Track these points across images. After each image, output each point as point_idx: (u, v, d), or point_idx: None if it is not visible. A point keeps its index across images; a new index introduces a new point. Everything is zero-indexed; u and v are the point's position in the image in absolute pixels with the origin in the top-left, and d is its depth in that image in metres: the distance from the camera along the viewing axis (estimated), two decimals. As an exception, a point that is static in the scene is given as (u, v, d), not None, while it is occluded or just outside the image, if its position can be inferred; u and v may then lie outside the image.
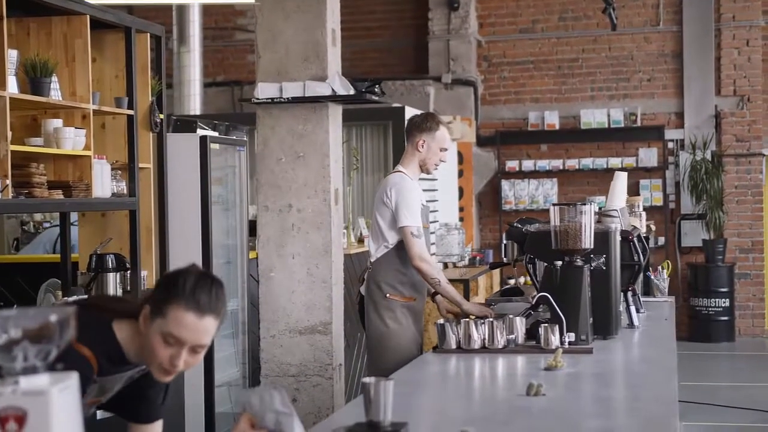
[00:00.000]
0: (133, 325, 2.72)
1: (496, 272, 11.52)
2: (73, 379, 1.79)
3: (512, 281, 12.27)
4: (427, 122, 5.40)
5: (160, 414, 3.01)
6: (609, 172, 12.72)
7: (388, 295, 5.28)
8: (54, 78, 5.00)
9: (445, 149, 5.43)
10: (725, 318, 12.50)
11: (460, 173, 12.58)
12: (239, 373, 6.90)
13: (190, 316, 2.60)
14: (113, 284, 5.49)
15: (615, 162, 12.81)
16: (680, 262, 12.94)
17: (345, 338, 6.43)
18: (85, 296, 5.15)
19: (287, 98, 5.82)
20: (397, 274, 5.29)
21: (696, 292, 12.55)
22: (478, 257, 11.17)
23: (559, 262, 4.46)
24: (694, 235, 12.81)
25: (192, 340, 2.61)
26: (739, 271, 12.76)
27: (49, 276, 5.91)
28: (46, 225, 9.03)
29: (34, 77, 4.88)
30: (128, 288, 5.66)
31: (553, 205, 4.52)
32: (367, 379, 2.76)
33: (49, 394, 1.73)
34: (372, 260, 5.38)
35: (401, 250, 5.25)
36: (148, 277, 5.93)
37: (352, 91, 5.92)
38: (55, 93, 5.00)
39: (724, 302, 12.46)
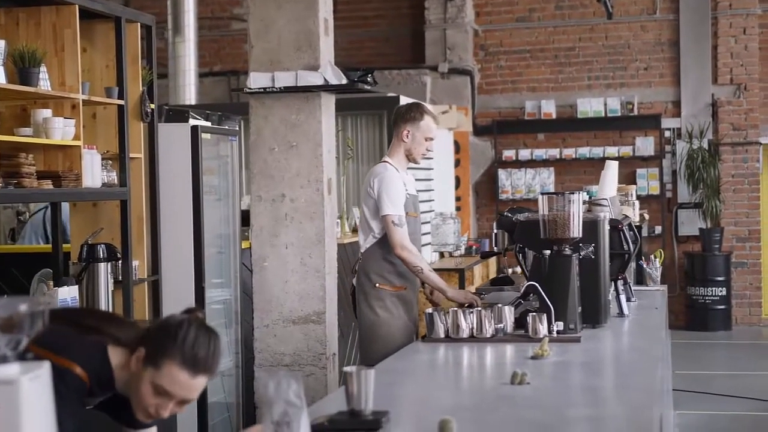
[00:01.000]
0: (126, 357, 2.72)
1: (493, 261, 11.53)
2: (43, 368, 1.80)
3: (509, 270, 12.28)
4: (411, 112, 5.41)
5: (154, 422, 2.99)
6: (605, 162, 12.70)
7: (377, 284, 5.30)
8: (43, 68, 4.98)
9: (431, 138, 5.43)
10: (722, 307, 12.50)
11: (457, 162, 12.58)
12: (232, 363, 6.90)
13: (184, 374, 2.63)
14: (104, 274, 5.48)
15: (612, 151, 12.80)
16: (677, 251, 12.94)
17: (339, 328, 6.43)
18: (80, 307, 5.13)
19: (279, 88, 5.81)
20: (385, 263, 5.30)
21: (693, 281, 12.56)
22: (474, 247, 11.18)
23: (548, 251, 4.46)
24: (690, 224, 12.81)
25: (182, 396, 2.66)
26: (735, 260, 12.77)
27: (42, 266, 5.91)
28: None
29: (22, 67, 4.87)
30: (119, 278, 5.66)
31: (542, 194, 4.53)
32: (348, 368, 2.77)
33: (18, 383, 1.73)
34: (361, 251, 5.40)
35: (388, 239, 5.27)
36: (140, 266, 5.93)
37: (344, 81, 5.91)
38: (44, 83, 4.99)
39: (721, 291, 12.47)
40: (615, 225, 5.04)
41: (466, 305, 5.03)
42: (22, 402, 1.73)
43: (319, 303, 5.87)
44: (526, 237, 4.74)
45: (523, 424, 2.90)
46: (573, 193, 4.48)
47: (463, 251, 10.61)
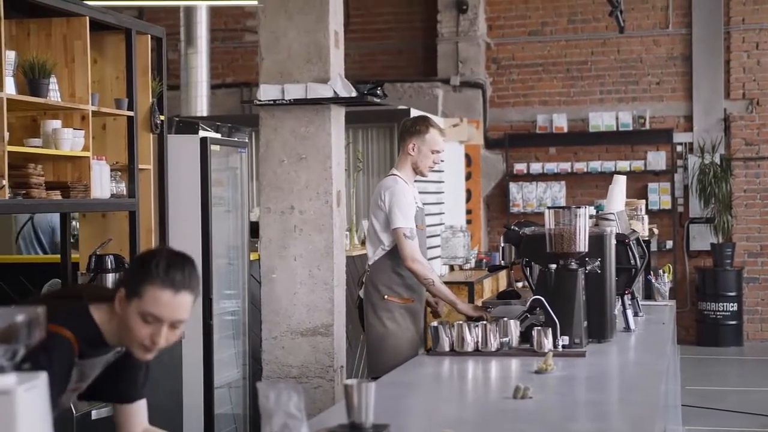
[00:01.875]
0: (109, 309, 2.81)
1: (503, 275, 11.50)
2: (40, 378, 1.81)
3: (520, 284, 12.25)
4: (416, 125, 5.45)
5: (143, 394, 3.08)
6: (614, 176, 12.68)
7: (386, 296, 5.33)
8: (53, 79, 5.02)
9: (437, 151, 5.45)
10: (733, 322, 12.45)
11: (468, 176, 12.59)
12: (240, 375, 6.91)
13: (166, 294, 2.70)
14: (112, 285, 5.50)
15: (623, 165, 12.78)
16: (688, 265, 12.91)
17: (347, 340, 6.43)
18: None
19: (289, 100, 5.83)
20: (394, 276, 5.32)
21: (704, 296, 12.51)
22: (485, 260, 11.16)
23: (554, 266, 4.46)
24: (702, 238, 12.78)
25: (170, 316, 2.72)
26: (747, 275, 12.72)
27: (51, 276, 5.94)
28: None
29: (32, 78, 4.90)
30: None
31: (548, 208, 4.52)
32: (348, 381, 2.77)
33: (14, 394, 1.74)
34: (369, 263, 5.42)
35: (397, 252, 5.28)
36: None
37: (354, 93, 5.93)
38: (54, 94, 5.02)
39: (732, 306, 12.42)
40: (622, 239, 5.04)
41: (473, 318, 5.04)
42: (18, 412, 1.74)
43: (327, 315, 5.87)
44: (533, 251, 4.73)
45: (523, 439, 2.90)
46: (579, 208, 4.48)
47: (473, 264, 10.60)
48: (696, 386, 9.66)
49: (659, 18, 13.02)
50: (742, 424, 8.37)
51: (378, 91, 6.23)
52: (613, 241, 4.76)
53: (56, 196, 5.00)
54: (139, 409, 3.08)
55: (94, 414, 4.60)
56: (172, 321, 2.74)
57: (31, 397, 1.77)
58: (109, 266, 5.49)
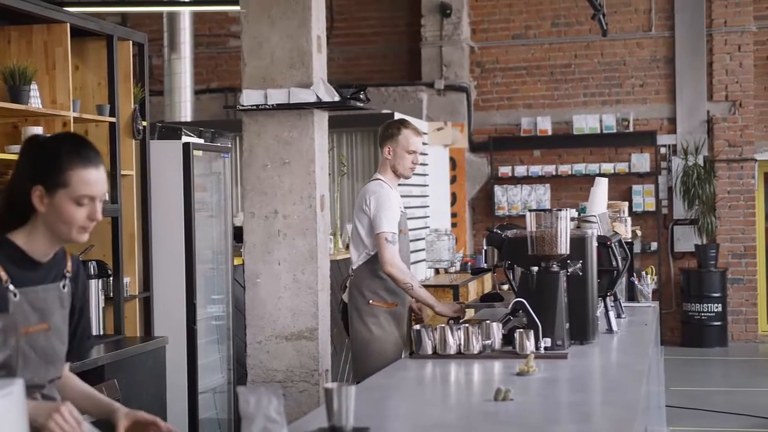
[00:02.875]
0: (26, 229, 2.79)
1: (488, 278, 11.52)
2: (16, 385, 1.81)
3: (505, 287, 12.27)
4: (389, 129, 5.54)
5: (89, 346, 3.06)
6: (595, 178, 12.71)
7: (371, 301, 5.35)
8: (33, 86, 5.01)
9: (413, 152, 5.50)
10: (718, 323, 12.50)
11: (453, 179, 12.61)
12: (224, 379, 6.91)
13: (91, 172, 2.77)
14: (95, 291, 5.49)
15: (607, 167, 12.82)
16: (673, 267, 12.95)
17: (332, 344, 6.44)
18: None
19: (272, 105, 5.84)
20: (378, 280, 5.34)
21: (689, 297, 12.56)
22: (470, 263, 11.17)
23: (535, 268, 4.47)
24: (686, 240, 12.83)
25: (100, 191, 2.80)
26: (731, 276, 12.77)
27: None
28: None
29: (13, 85, 4.90)
30: (111, 295, 5.67)
31: (530, 211, 4.54)
32: (328, 385, 2.78)
33: (-10, 401, 1.74)
34: (353, 267, 5.43)
35: None
36: (131, 283, 5.95)
37: (336, 98, 5.94)
38: (35, 101, 5.02)
39: (717, 307, 12.47)
40: (604, 242, 5.05)
41: (454, 319, 5.06)
42: (-7, 418, 1.74)
43: (311, 319, 5.87)
44: (514, 253, 4.74)
45: (503, 441, 2.91)
46: (560, 210, 4.49)
47: (458, 267, 10.61)
48: (681, 387, 9.69)
49: (642, 21, 13.07)
50: (726, 425, 8.41)
51: (361, 96, 6.24)
52: (595, 244, 4.77)
53: (38, 202, 4.99)
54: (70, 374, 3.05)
55: (88, 417, 4.57)
56: (102, 194, 2.80)
57: (7, 404, 1.77)
58: (92, 272, 5.49)
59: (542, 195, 13.09)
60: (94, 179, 2.77)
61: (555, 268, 4.47)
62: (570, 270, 4.54)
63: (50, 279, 2.86)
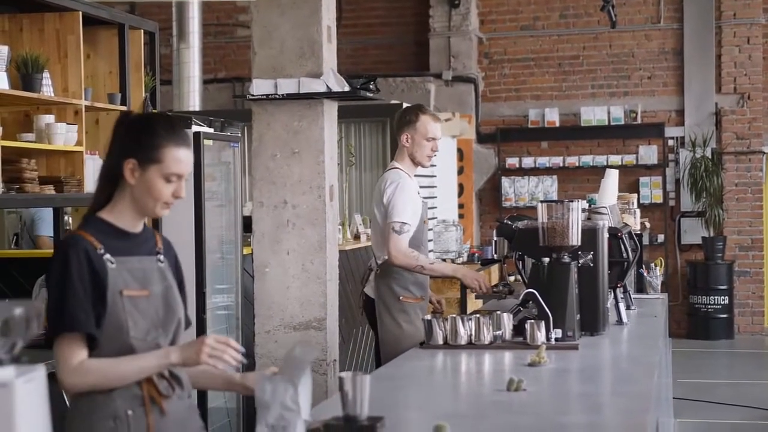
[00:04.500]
0: (110, 204, 2.92)
1: (495, 269, 11.52)
2: (38, 371, 1.82)
3: (512, 278, 12.27)
4: (407, 115, 5.40)
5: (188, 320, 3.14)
6: (606, 170, 12.71)
7: (401, 297, 5.26)
8: (46, 74, 5.02)
9: (432, 138, 5.37)
10: (724, 315, 12.50)
11: (461, 170, 12.61)
12: (233, 369, 6.91)
13: (181, 151, 2.88)
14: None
15: (615, 159, 12.82)
16: (680, 259, 12.95)
17: (340, 334, 6.44)
18: None
19: (282, 95, 5.83)
20: (408, 275, 5.25)
21: (695, 290, 12.56)
22: (477, 254, 11.17)
23: (547, 259, 4.47)
24: (693, 232, 12.82)
25: (187, 170, 2.91)
26: (738, 268, 12.77)
27: (44, 271, 5.92)
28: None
29: (25, 73, 4.90)
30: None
31: (541, 202, 4.53)
32: (343, 374, 2.79)
33: (13, 386, 1.75)
34: (379, 262, 5.32)
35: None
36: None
37: (346, 88, 5.93)
38: (47, 89, 5.02)
39: (724, 300, 12.47)
40: (614, 233, 5.05)
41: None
42: (16, 404, 1.74)
43: (320, 309, 5.87)
44: (525, 244, 4.74)
45: (517, 431, 2.91)
46: (572, 201, 4.49)
47: (465, 258, 10.61)
48: (687, 379, 9.70)
49: (651, 12, 13.05)
50: (732, 417, 8.42)
51: (371, 86, 6.23)
52: (606, 235, 4.77)
53: (50, 190, 5.00)
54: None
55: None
56: (188, 175, 2.92)
57: (30, 390, 1.78)
58: (103, 261, 5.49)
59: (549, 186, 13.08)
60: (185, 158, 2.89)
61: (566, 259, 4.47)
62: (581, 261, 4.54)
63: (145, 252, 2.98)
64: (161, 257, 3.01)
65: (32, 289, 5.84)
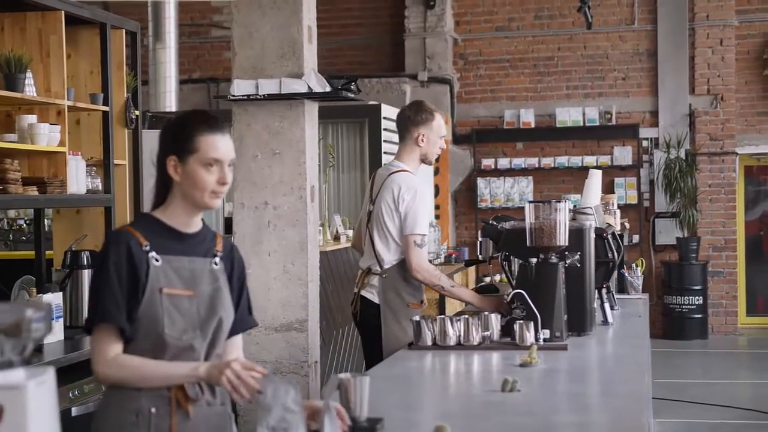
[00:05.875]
0: (164, 205, 2.97)
1: (472, 270, 11.56)
2: (48, 374, 1.79)
3: (487, 279, 12.30)
4: (422, 114, 5.18)
5: (242, 326, 3.15)
6: (584, 171, 12.72)
7: (409, 304, 5.11)
8: (29, 74, 4.97)
9: (444, 136, 5.25)
10: (698, 315, 12.59)
11: (436, 171, 12.61)
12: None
13: (217, 137, 2.93)
14: (88, 281, 5.45)
15: (590, 160, 12.87)
16: (654, 259, 13.02)
17: (321, 336, 6.42)
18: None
19: (263, 95, 5.81)
20: (414, 280, 5.14)
21: (670, 290, 12.63)
22: (454, 255, 11.20)
23: (534, 260, 4.47)
24: (668, 233, 12.89)
25: (227, 156, 2.94)
26: (712, 269, 12.86)
27: (24, 272, 5.87)
28: (20, 222, 8.98)
29: (8, 73, 4.85)
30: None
31: (529, 202, 4.54)
32: (343, 375, 2.78)
33: (25, 389, 1.72)
34: (387, 266, 5.12)
35: None
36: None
37: (328, 89, 5.92)
38: (30, 89, 4.97)
39: (698, 300, 12.55)
40: (600, 234, 5.07)
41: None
42: (28, 407, 1.72)
43: (301, 311, 5.86)
44: (513, 245, 4.74)
45: (515, 431, 2.91)
46: (559, 201, 4.50)
47: (442, 260, 10.63)
48: (663, 379, 9.74)
49: (625, 14, 13.11)
50: (710, 416, 8.47)
51: (352, 87, 6.23)
52: (593, 235, 4.79)
53: (33, 192, 4.96)
54: (235, 343, 3.14)
55: (74, 411, 4.55)
56: (229, 161, 2.94)
57: (41, 392, 1.76)
58: (85, 262, 5.45)
59: (525, 188, 13.12)
60: (220, 143, 2.93)
61: (554, 259, 4.48)
62: (568, 262, 4.54)
63: (199, 253, 3.00)
64: (217, 260, 3.02)
65: (11, 291, 5.79)
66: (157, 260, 2.90)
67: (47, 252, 5.88)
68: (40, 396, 1.75)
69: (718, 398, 9.03)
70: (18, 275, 5.90)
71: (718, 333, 12.87)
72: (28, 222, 9.08)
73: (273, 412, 2.63)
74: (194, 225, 3.02)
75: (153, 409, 2.88)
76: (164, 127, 3.05)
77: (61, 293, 5.30)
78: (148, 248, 2.89)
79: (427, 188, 5.18)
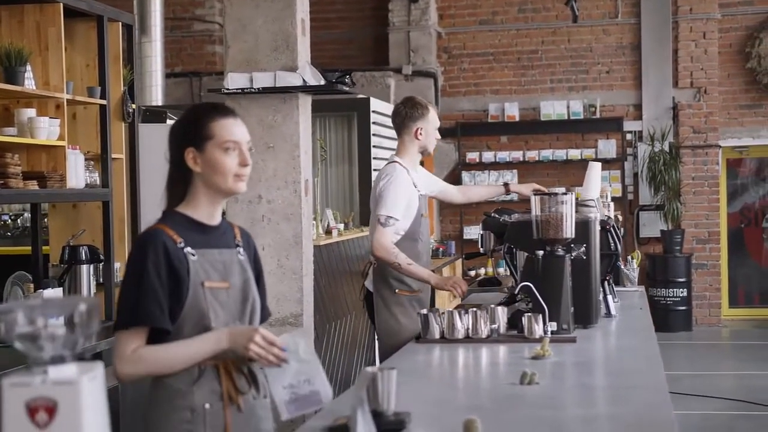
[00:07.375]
0: (186, 199, 2.95)
1: (458, 263, 11.57)
2: (99, 369, 1.77)
3: (472, 273, 12.32)
4: (417, 109, 5.40)
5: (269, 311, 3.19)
6: (568, 164, 12.83)
7: (397, 291, 5.25)
8: (28, 67, 4.91)
9: (438, 126, 5.52)
10: (683, 308, 12.65)
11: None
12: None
13: (228, 120, 2.93)
14: (86, 276, 5.41)
15: (574, 153, 12.90)
16: (638, 252, 13.04)
17: (315, 330, 6.41)
18: None
19: (258, 88, 5.78)
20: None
21: (654, 282, 12.68)
22: (440, 249, 11.20)
23: (541, 252, 4.46)
24: (652, 225, 12.94)
25: (242, 137, 2.94)
26: (696, 261, 12.92)
27: (19, 268, 5.82)
28: (5, 217, 8.91)
29: (8, 66, 4.80)
30: (101, 280, 5.59)
31: (535, 194, 4.52)
32: (370, 369, 2.75)
33: (79, 384, 1.71)
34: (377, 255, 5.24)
35: (406, 243, 5.21)
36: (122, 268, 5.86)
37: (322, 82, 5.91)
38: (29, 82, 4.92)
39: (682, 292, 12.61)
40: (603, 226, 5.07)
41: (457, 297, 5.03)
42: (82, 402, 1.71)
43: (296, 305, 5.85)
44: (518, 238, 4.73)
45: (544, 423, 2.89)
46: (566, 194, 4.49)
47: (430, 253, 10.61)
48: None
49: (609, 8, 13.14)
50: (692, 407, 8.51)
51: (346, 80, 6.21)
52: (598, 227, 4.79)
53: (33, 186, 4.90)
54: None
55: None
56: (247, 143, 2.94)
57: (94, 387, 1.74)
58: (83, 257, 5.40)
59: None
60: (234, 126, 2.93)
61: (560, 251, 4.47)
62: (574, 254, 4.54)
63: (224, 244, 2.99)
64: (241, 250, 3.02)
65: (3, 287, 5.73)
66: (193, 255, 2.88)
67: (44, 247, 5.82)
68: (92, 391, 1.73)
69: (702, 389, 9.08)
70: (14, 270, 5.83)
71: (702, 325, 12.93)
72: (12, 217, 9.01)
73: (287, 370, 2.63)
74: (217, 217, 3.01)
75: (207, 405, 2.85)
76: (174, 124, 3.03)
77: (61, 289, 5.26)
78: (182, 244, 2.88)
79: (415, 175, 5.28)
